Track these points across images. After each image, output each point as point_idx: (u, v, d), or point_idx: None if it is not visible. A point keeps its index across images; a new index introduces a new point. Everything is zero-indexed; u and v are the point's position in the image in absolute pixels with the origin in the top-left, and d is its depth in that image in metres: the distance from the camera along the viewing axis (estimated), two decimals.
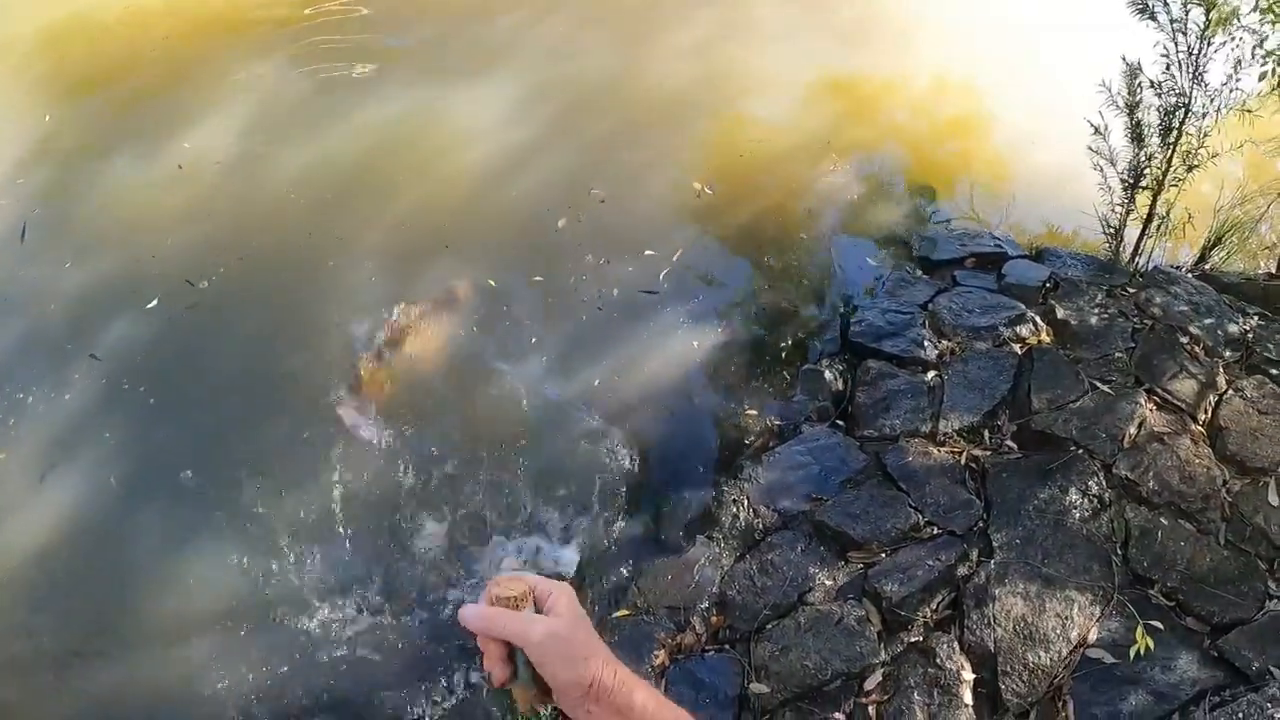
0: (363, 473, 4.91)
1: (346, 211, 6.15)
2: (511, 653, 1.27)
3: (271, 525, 4.71)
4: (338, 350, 5.37)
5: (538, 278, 5.88)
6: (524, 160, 6.63)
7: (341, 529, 4.72)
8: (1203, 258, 6.31)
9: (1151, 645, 4.06)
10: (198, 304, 5.49)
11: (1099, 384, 5.12)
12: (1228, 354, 5.35)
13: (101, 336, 5.36)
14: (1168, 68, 5.77)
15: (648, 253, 6.09)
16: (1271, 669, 4.08)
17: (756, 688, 4.11)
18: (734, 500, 4.82)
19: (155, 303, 5.51)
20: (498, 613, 1.25)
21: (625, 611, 4.46)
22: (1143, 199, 6.03)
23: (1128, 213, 6.06)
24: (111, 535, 4.67)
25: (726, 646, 4.31)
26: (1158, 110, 5.85)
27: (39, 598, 4.48)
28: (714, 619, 4.40)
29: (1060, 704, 4.04)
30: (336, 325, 5.47)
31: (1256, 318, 5.61)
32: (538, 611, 1.28)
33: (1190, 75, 5.75)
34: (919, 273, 6.19)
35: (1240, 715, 3.90)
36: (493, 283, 5.82)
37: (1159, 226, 6.04)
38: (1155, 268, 6.02)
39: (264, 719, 4.19)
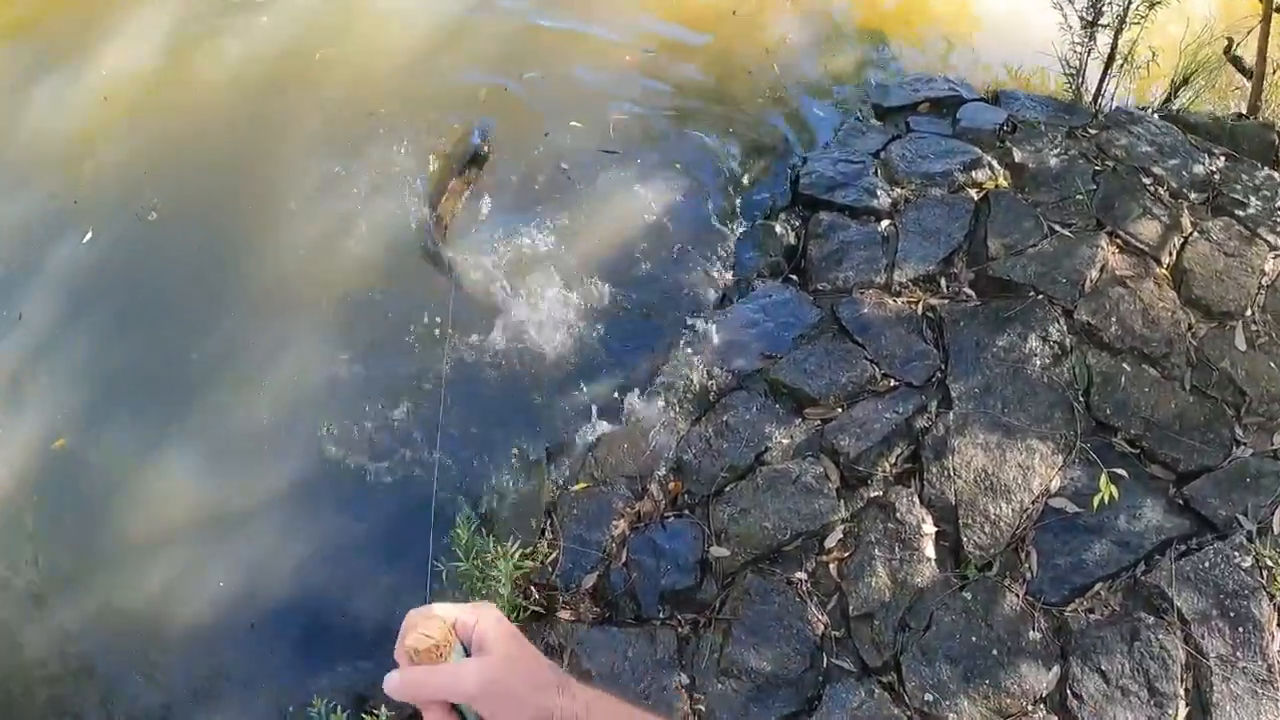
0: (322, 368, 4.86)
1: (279, 101, 5.96)
2: (455, 705, 1.15)
3: (237, 428, 4.72)
4: (287, 241, 5.27)
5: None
6: (457, 31, 6.45)
7: (306, 426, 4.69)
8: (1170, 98, 6.28)
9: (1116, 494, 4.11)
10: (140, 222, 5.30)
11: (1058, 228, 5.10)
12: (1193, 195, 5.35)
13: (49, 261, 5.26)
14: None
15: (574, 123, 5.93)
16: (1238, 517, 4.17)
17: (717, 551, 4.13)
18: (687, 363, 4.78)
19: (96, 228, 5.37)
20: (422, 674, 1.12)
21: (583, 484, 4.44)
22: (1104, 38, 5.96)
23: (1088, 52, 5.99)
24: (77, 457, 4.65)
25: (686, 511, 4.31)
26: None
27: (7, 525, 4.48)
28: (672, 485, 4.40)
29: (1023, 555, 4.11)
30: (284, 216, 5.36)
31: (1223, 159, 5.61)
32: (465, 650, 1.16)
33: None
34: (871, 120, 6.10)
35: (1207, 564, 4.00)
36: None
37: (1122, 66, 5.99)
38: (1118, 108, 5.99)
39: (240, 626, 4.26)
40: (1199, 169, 5.46)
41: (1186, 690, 3.76)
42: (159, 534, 4.44)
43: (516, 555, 3.94)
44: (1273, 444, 4.46)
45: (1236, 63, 6.45)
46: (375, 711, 3.76)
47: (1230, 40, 6.44)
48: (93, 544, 4.42)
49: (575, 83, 6.18)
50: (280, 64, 6.15)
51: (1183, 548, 4.10)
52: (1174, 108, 6.21)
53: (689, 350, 4.79)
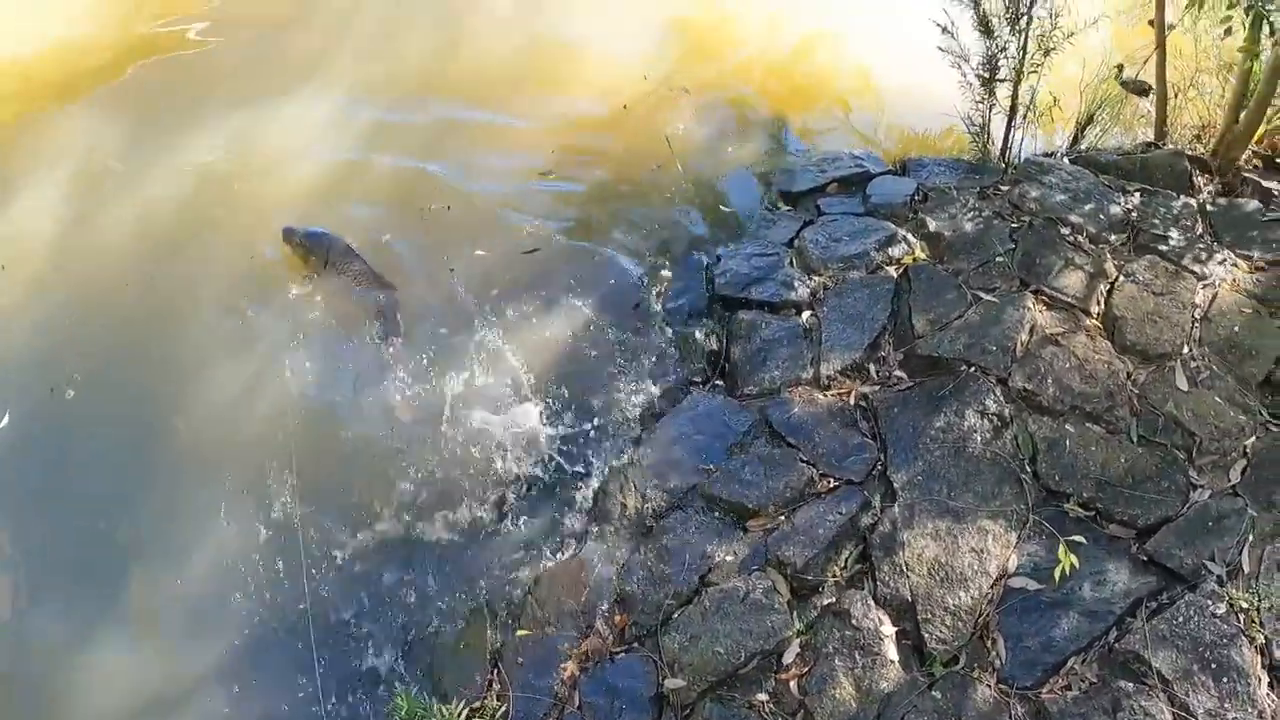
0: (247, 534, 4.76)
1: (179, 259, 5.93)
2: None
3: (166, 604, 4.61)
4: (199, 405, 5.21)
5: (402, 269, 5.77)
6: (356, 165, 6.48)
7: (237, 595, 4.59)
8: (1078, 139, 6.34)
9: (1076, 562, 4.05)
10: (57, 399, 5.24)
11: (982, 294, 5.09)
12: (1113, 238, 5.37)
13: None
14: None
15: (478, 253, 5.93)
16: (1205, 564, 4.12)
17: (672, 683, 4.03)
18: (620, 489, 4.72)
19: (12, 410, 5.26)
20: None
21: (525, 630, 4.34)
22: (1004, 91, 6.01)
23: (990, 107, 6.04)
24: (10, 637, 4.52)
25: (635, 644, 4.22)
26: None
27: None
28: (618, 618, 4.31)
29: (989, 642, 4.04)
30: (193, 379, 5.30)
31: (1138, 194, 5.64)
32: None
33: None
34: (781, 207, 6.11)
35: (1180, 619, 3.94)
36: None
37: (1025, 116, 6.04)
38: (1028, 159, 6.02)
39: None
40: (1115, 209, 5.48)
41: None
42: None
43: (464, 715, 3.84)
44: (1229, 480, 4.43)
45: (1129, 85, 6.52)
46: None
47: (1120, 66, 6.53)
48: None
49: (479, 209, 6.18)
50: (176, 220, 6.14)
51: (1153, 605, 4.04)
52: (1082, 148, 6.26)
53: (621, 475, 4.73)
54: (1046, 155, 6.21)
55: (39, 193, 6.33)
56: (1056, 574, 4.04)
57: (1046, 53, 5.84)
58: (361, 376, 5.28)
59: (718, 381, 5.14)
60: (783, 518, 4.44)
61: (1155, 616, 3.97)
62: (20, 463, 5.03)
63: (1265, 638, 3.90)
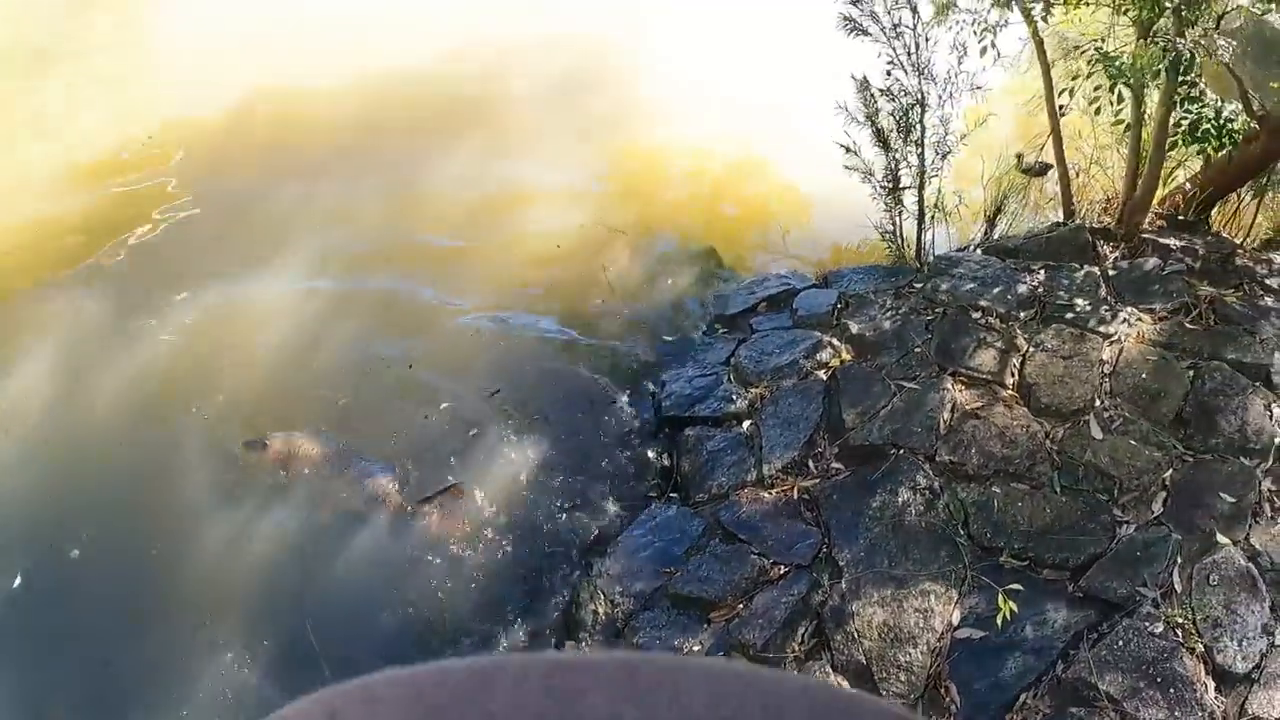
0: (245, 682, 5.10)
1: (168, 420, 6.42)
2: None
3: None
4: (193, 558, 5.60)
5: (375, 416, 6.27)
6: (322, 326, 7.05)
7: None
8: (989, 230, 6.92)
9: (1015, 608, 4.46)
10: (63, 559, 5.69)
11: (905, 383, 5.60)
12: (1022, 314, 5.89)
13: None
14: (890, 73, 6.42)
15: (444, 405, 6.46)
16: (1139, 590, 4.50)
17: None
18: (591, 598, 5.12)
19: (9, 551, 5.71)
20: None
21: None
22: (910, 197, 6.63)
23: (899, 214, 6.65)
24: None
25: None
26: (892, 115, 6.49)
27: None
28: None
29: (943, 690, 4.39)
30: (186, 533, 5.72)
31: (1043, 271, 6.18)
32: None
33: (916, 72, 6.42)
34: (717, 329, 6.69)
35: (1121, 643, 4.32)
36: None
37: (934, 218, 6.64)
38: (939, 256, 6.60)
39: None
40: (1022, 288, 6.02)
41: None
42: None
43: None
44: (1153, 511, 4.85)
45: (1030, 170, 7.14)
46: None
47: (1019, 155, 7.15)
48: None
49: (443, 361, 6.72)
50: (158, 387, 6.63)
51: (1094, 635, 4.41)
52: (995, 236, 6.83)
53: (590, 586, 5.14)
54: (960, 250, 6.78)
55: (28, 366, 6.85)
56: (999, 620, 4.46)
57: (944, 156, 6.46)
58: (344, 528, 5.72)
59: (672, 494, 5.60)
60: (741, 606, 4.86)
61: (1097, 645, 4.34)
62: (30, 616, 5.40)
63: (1204, 645, 4.28)
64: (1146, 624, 4.37)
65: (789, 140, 8.09)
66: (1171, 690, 4.12)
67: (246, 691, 5.05)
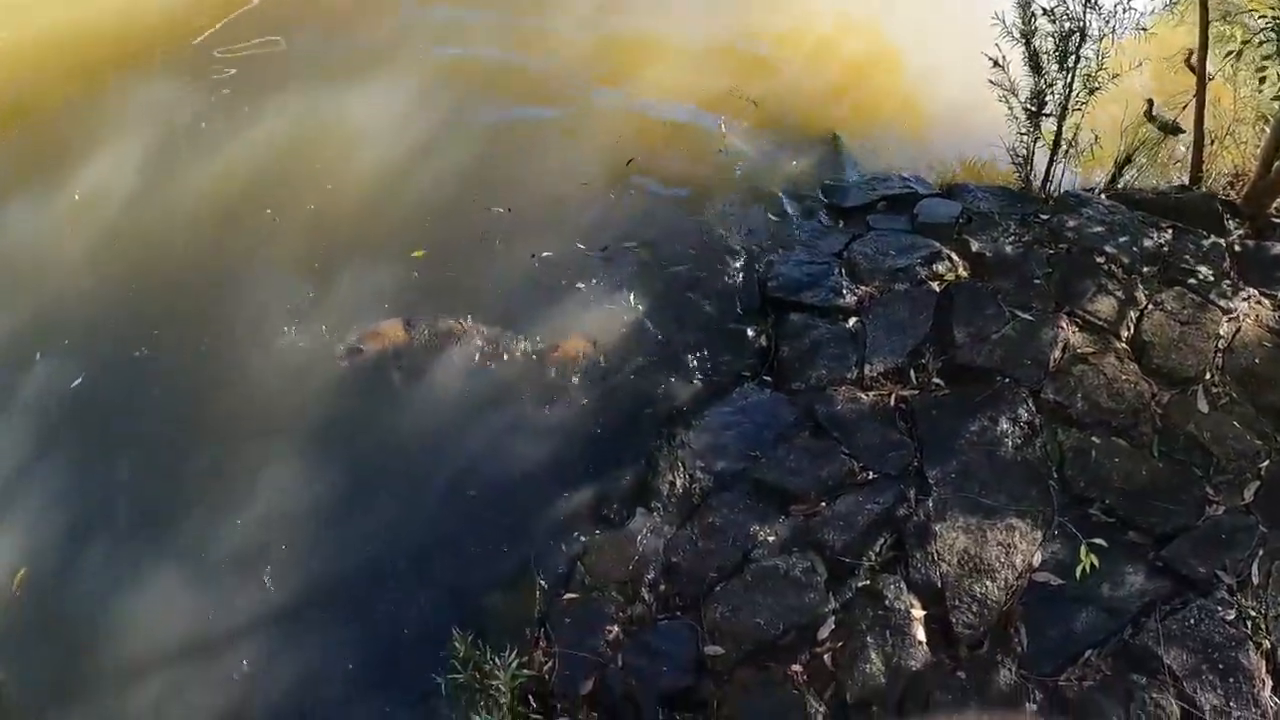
0: (302, 491, 4.99)
1: (249, 226, 6.21)
2: None
3: (218, 553, 4.78)
4: (262, 367, 5.45)
5: (465, 257, 6.02)
6: (425, 155, 6.72)
7: (288, 549, 4.80)
8: (1115, 177, 6.58)
9: (1097, 563, 4.28)
10: (128, 359, 5.50)
11: (1019, 312, 5.33)
12: (1145, 269, 5.60)
13: (20, 390, 5.36)
14: None
15: (545, 254, 6.19)
16: (1217, 573, 4.32)
17: (712, 649, 4.26)
18: (670, 468, 4.95)
19: (76, 347, 5.52)
20: None
21: (574, 594, 4.57)
22: (1048, 125, 6.27)
23: (1035, 140, 6.29)
24: (61, 583, 4.69)
25: (678, 613, 4.44)
26: (1053, 37, 6.09)
27: None
28: (663, 588, 4.53)
29: (1013, 630, 4.24)
30: (258, 342, 5.55)
31: (1170, 231, 5.86)
32: None
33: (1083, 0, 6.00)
34: (832, 221, 6.37)
35: (1192, 621, 4.14)
36: (418, 254, 5.94)
37: (1067, 151, 6.29)
38: (1067, 193, 6.27)
39: None
40: (1148, 243, 5.71)
41: None
42: (141, 661, 4.44)
43: (514, 665, 4.06)
44: (1243, 499, 4.63)
45: (1159, 122, 6.76)
46: None
47: (1150, 101, 6.76)
48: (72, 670, 4.44)
49: (546, 208, 6.44)
50: (252, 189, 6.41)
51: (1167, 608, 4.24)
52: (1120, 186, 6.49)
53: (671, 456, 4.97)
54: (1087, 190, 6.43)
55: (108, 159, 6.62)
56: (1078, 572, 4.29)
57: (1091, 91, 6.09)
58: (418, 353, 5.53)
59: (766, 377, 5.38)
60: (823, 504, 4.68)
61: (1169, 618, 4.18)
62: (89, 416, 5.27)
63: (1271, 644, 4.11)
64: (1219, 609, 4.20)
65: (929, 40, 7.64)
66: (1231, 680, 3.99)
67: (301, 509, 4.94)
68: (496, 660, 4.09)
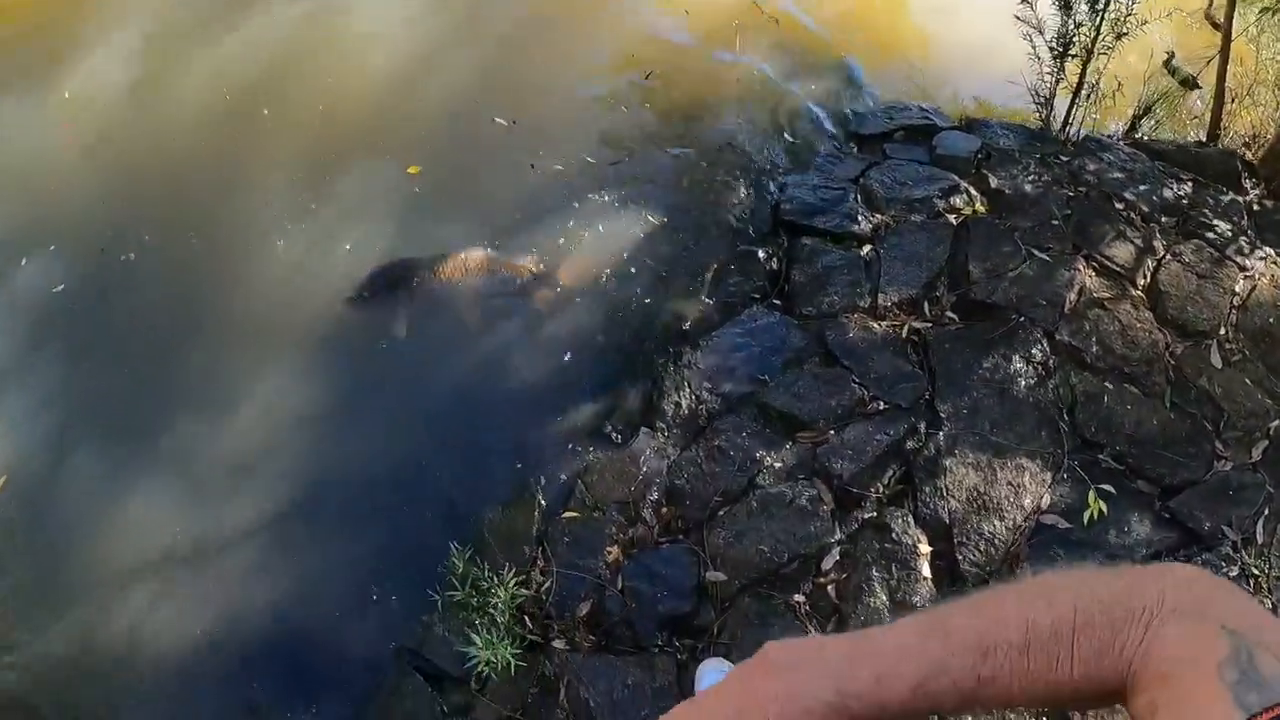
0: (297, 398, 4.76)
1: (248, 128, 5.86)
2: None
3: (209, 459, 4.56)
4: (259, 272, 5.17)
5: (468, 168, 5.74)
6: (433, 59, 6.39)
7: (281, 457, 4.58)
8: (1133, 127, 6.40)
9: (1104, 509, 4.18)
10: (114, 262, 5.17)
11: (1036, 251, 5.17)
12: (1163, 219, 5.44)
13: (10, 287, 5.06)
14: None
15: (556, 168, 5.91)
16: (1223, 528, 4.23)
17: (713, 575, 4.11)
18: (676, 389, 4.76)
19: (61, 251, 5.20)
20: None
21: (574, 513, 4.39)
22: (1072, 68, 6.06)
23: (1057, 81, 6.08)
24: (47, 483, 4.46)
25: (680, 537, 4.29)
26: None
27: None
28: (665, 510, 4.37)
29: (1019, 570, 4.13)
30: (254, 247, 5.26)
31: (1190, 184, 5.71)
32: None
33: None
34: (849, 147, 6.15)
35: None
36: (412, 170, 5.63)
37: (1089, 95, 6.09)
38: (1088, 136, 6.08)
39: (216, 666, 4.04)
40: (1168, 193, 5.55)
41: None
42: (127, 569, 4.22)
43: (513, 583, 3.89)
44: (1252, 457, 4.53)
45: (1177, 75, 6.58)
46: None
47: (1170, 54, 6.58)
48: (55, 579, 4.23)
49: (554, 117, 6.16)
50: (250, 89, 6.05)
51: (1171, 559, 4.13)
52: (1137, 135, 6.31)
53: (677, 376, 4.78)
54: (1106, 136, 6.25)
55: (103, 50, 6.23)
56: (1085, 517, 4.19)
57: (1119, 36, 5.88)
58: (418, 266, 5.26)
59: (775, 300, 5.18)
60: (832, 432, 4.51)
61: None
62: (74, 320, 4.98)
63: (1273, 604, 4.03)
64: (1223, 565, 4.11)
65: None
66: None
67: (294, 420, 4.71)
68: (495, 578, 3.91)
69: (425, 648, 4.06)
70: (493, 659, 3.69)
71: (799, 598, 4.08)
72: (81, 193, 5.45)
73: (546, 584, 4.14)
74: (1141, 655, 0.92)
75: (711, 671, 3.70)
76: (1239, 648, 0.84)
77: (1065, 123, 6.16)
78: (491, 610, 3.81)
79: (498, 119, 6.04)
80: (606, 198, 5.62)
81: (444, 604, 4.00)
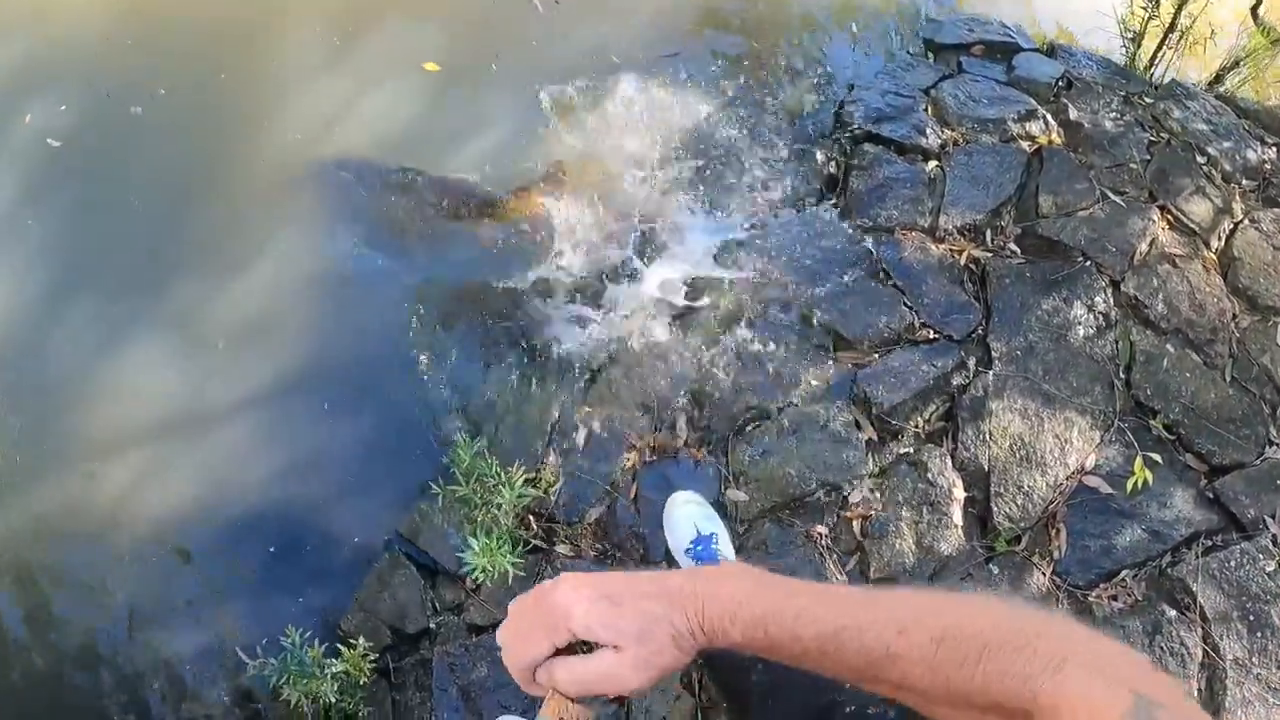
0: (312, 260, 4.29)
1: None
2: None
3: (212, 321, 4.11)
4: (279, 124, 4.60)
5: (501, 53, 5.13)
6: None
7: (290, 322, 4.15)
8: (1217, 79, 5.87)
9: (1150, 479, 3.79)
10: (123, 113, 4.54)
11: (1110, 193, 4.72)
12: (1245, 182, 5.00)
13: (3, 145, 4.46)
14: None
15: (613, 59, 5.30)
16: (1265, 519, 3.88)
17: (734, 495, 3.72)
18: (714, 284, 4.32)
19: (66, 101, 4.55)
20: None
21: (590, 408, 3.98)
22: (1166, 6, 5.51)
23: (1150, 17, 5.53)
24: (39, 340, 4.01)
25: (703, 448, 3.87)
26: None
27: None
28: (691, 417, 3.94)
29: (1053, 532, 3.80)
30: (275, 96, 4.67)
31: (1275, 150, 5.23)
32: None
33: None
34: (923, 54, 5.59)
35: (1232, 564, 3.72)
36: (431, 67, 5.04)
37: (1180, 38, 5.55)
38: (1174, 81, 5.56)
39: (206, 539, 3.73)
40: (1252, 155, 5.10)
41: (1199, 690, 3.52)
42: (118, 437, 3.85)
43: (520, 482, 3.47)
44: None
45: (1264, 27, 6.03)
46: (354, 642, 3.30)
47: (1258, 1, 6.04)
48: (44, 440, 3.84)
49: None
50: None
51: (1209, 543, 3.81)
52: (1222, 89, 5.80)
53: (719, 269, 4.30)
54: (1193, 84, 5.72)
55: None
56: (1129, 485, 3.79)
57: None
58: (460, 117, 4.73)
59: (831, 205, 4.69)
60: (876, 356, 4.10)
61: (1209, 554, 3.75)
62: (76, 174, 4.39)
63: None
64: (1261, 557, 3.75)
65: None
66: (1258, 634, 3.59)
67: (305, 287, 4.24)
68: (503, 474, 3.48)
69: (422, 538, 3.69)
70: (489, 567, 3.27)
71: (821, 529, 3.72)
72: (93, 41, 4.76)
73: (557, 484, 3.73)
74: (1049, 691, 0.94)
75: (681, 505, 3.33)
76: (1141, 704, 0.89)
77: (1151, 63, 5.64)
78: (495, 509, 3.40)
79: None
80: (660, 85, 5.05)
81: (445, 497, 3.61)
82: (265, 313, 4.15)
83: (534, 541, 3.61)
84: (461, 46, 5.00)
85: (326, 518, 3.82)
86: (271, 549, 3.75)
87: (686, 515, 3.57)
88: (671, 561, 3.59)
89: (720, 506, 3.71)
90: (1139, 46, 5.65)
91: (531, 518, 3.65)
